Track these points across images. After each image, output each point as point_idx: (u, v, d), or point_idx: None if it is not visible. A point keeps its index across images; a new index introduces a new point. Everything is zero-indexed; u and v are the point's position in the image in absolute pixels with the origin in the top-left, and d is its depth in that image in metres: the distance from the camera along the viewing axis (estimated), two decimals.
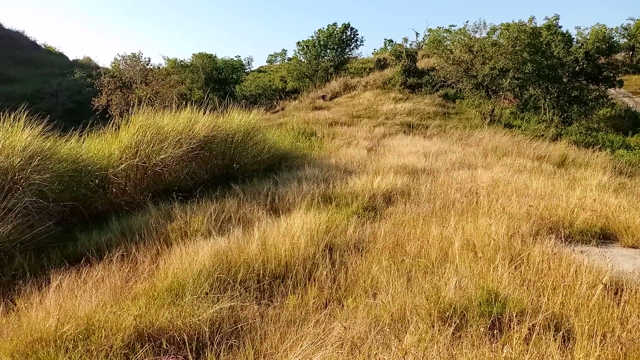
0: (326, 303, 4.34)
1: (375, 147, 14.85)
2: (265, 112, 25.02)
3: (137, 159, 8.77)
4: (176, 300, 4.23)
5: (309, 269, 5.00)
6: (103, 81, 24.50)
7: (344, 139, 16.03)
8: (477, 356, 2.92)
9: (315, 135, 17.10)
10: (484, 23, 24.46)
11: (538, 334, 3.23)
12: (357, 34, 35.94)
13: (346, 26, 35.41)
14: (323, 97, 28.86)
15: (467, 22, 30.71)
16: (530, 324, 3.36)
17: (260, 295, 4.54)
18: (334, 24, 35.42)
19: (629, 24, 34.13)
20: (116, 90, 24.03)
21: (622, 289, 4.21)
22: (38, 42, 51.24)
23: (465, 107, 24.08)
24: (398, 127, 19.07)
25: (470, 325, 3.49)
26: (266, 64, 52.49)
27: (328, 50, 35.41)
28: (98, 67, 37.38)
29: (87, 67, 41.20)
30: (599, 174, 10.70)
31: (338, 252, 5.43)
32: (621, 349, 3.14)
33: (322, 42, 35.15)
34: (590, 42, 22.81)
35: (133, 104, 10.55)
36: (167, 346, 3.49)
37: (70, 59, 49.86)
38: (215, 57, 34.97)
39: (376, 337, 3.40)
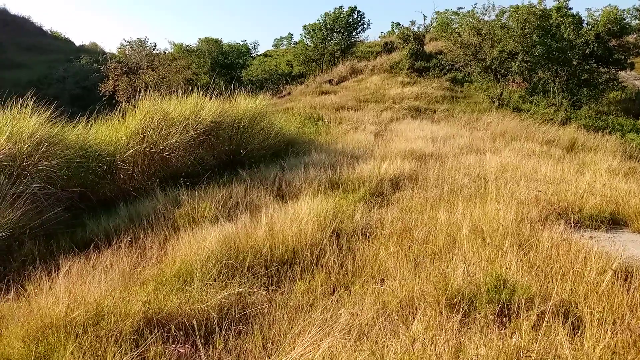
0: (334, 289, 4.35)
1: (382, 131, 14.77)
2: (272, 96, 24.91)
3: (145, 145, 8.77)
4: (184, 286, 4.25)
5: (317, 255, 5.00)
6: (109, 67, 24.53)
7: (350, 124, 15.94)
8: (486, 344, 2.91)
9: (322, 120, 17.02)
10: (493, 5, 24.17)
11: (547, 322, 3.21)
12: (364, 17, 35.56)
13: (353, 9, 35.00)
14: (330, 81, 28.68)
15: (476, 4, 30.19)
16: (539, 311, 3.35)
17: (268, 281, 4.55)
18: (341, 7, 35.01)
19: None
20: (122, 76, 24.04)
21: (632, 275, 4.17)
22: (44, 28, 51.31)
23: (474, 90, 23.83)
24: (405, 112, 18.93)
25: (479, 312, 3.48)
26: (272, 48, 52.18)
27: (335, 34, 35.06)
28: (104, 53, 37.48)
29: (94, 52, 41.27)
30: (608, 158, 10.59)
31: (345, 237, 5.43)
32: (630, 336, 3.13)
33: (328, 26, 34.79)
34: (601, 23, 22.40)
35: (140, 89, 10.52)
36: (175, 332, 3.52)
37: (77, 44, 49.94)
38: (221, 41, 34.75)
39: (384, 324, 3.41)
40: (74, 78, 33.62)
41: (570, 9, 23.42)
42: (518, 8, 21.95)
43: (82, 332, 3.49)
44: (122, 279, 4.59)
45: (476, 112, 18.56)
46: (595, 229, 5.93)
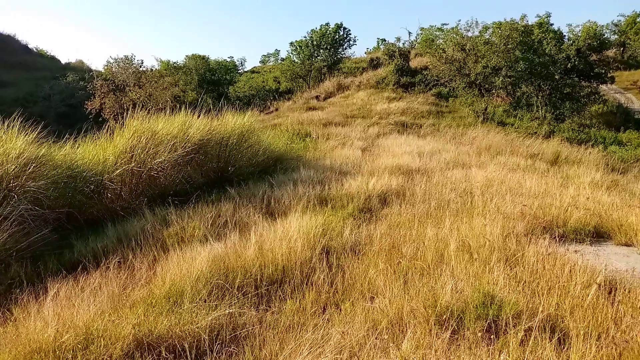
0: (324, 307, 4.36)
1: (369, 147, 14.89)
2: (259, 113, 24.97)
3: (133, 164, 8.75)
4: (174, 307, 4.23)
5: (306, 273, 5.01)
6: (96, 84, 24.43)
7: (338, 140, 16.04)
8: None
9: (310, 136, 17.12)
10: (476, 22, 24.67)
11: (534, 338, 3.26)
12: (350, 34, 36.07)
13: (339, 26, 35.46)
14: (317, 97, 28.86)
15: (460, 20, 30.79)
16: (527, 327, 3.40)
17: (258, 300, 4.55)
18: (327, 24, 35.51)
19: (620, 21, 34.48)
20: (109, 94, 23.97)
21: (616, 288, 4.26)
22: (30, 46, 51.10)
23: (459, 105, 24.16)
24: (392, 127, 19.12)
25: (467, 329, 3.53)
26: (259, 65, 52.49)
27: (321, 50, 35.44)
28: (90, 70, 37.37)
29: (80, 70, 41.11)
30: (591, 171, 10.79)
31: (335, 255, 5.46)
32: (616, 350, 3.19)
33: (315, 42, 35.17)
34: (582, 39, 22.98)
35: (127, 107, 10.51)
36: (166, 355, 3.50)
37: (63, 62, 49.74)
38: (208, 58, 34.93)
39: (375, 342, 3.43)
40: (60, 96, 33.40)
41: (552, 25, 24.03)
42: (501, 24, 22.44)
43: (72, 357, 3.46)
44: (111, 301, 4.56)
45: (461, 127, 18.79)
46: (580, 242, 6.03)
